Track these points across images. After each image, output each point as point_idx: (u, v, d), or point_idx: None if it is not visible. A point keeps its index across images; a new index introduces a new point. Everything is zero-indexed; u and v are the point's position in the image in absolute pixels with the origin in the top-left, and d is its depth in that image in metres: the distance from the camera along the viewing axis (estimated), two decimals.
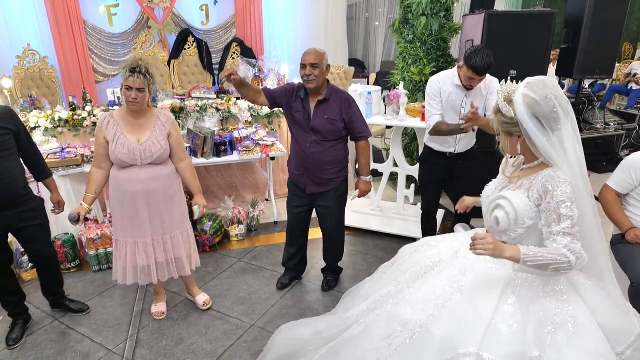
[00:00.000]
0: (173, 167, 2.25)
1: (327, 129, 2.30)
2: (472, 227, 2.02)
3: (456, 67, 2.49)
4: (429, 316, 1.39)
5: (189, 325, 2.39)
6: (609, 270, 1.48)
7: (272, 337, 2.02)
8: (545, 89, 1.30)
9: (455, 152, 2.61)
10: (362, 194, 2.50)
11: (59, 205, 2.34)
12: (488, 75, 2.51)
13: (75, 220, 2.11)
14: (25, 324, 2.37)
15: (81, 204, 2.16)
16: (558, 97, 1.30)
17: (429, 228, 2.94)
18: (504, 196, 1.40)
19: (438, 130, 2.51)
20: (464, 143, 2.60)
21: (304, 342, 1.84)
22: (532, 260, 1.26)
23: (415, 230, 3.22)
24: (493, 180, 1.58)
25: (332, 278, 2.72)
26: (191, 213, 2.36)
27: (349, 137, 2.43)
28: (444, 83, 2.50)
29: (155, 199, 2.18)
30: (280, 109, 2.52)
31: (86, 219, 2.22)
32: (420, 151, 3.06)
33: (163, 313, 2.47)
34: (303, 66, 2.24)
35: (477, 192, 2.66)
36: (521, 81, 1.37)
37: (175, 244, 2.29)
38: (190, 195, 2.58)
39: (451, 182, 2.76)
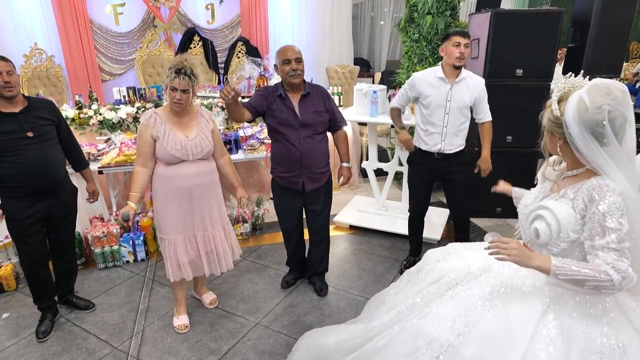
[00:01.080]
0: (214, 162, 2.30)
1: (317, 121, 2.33)
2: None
3: (439, 63, 2.54)
4: (458, 335, 1.28)
5: (193, 323, 2.40)
6: None
7: (296, 344, 2.03)
8: (604, 97, 1.14)
9: (442, 151, 2.55)
10: (347, 180, 2.56)
11: (94, 195, 2.48)
12: (473, 74, 2.53)
13: (127, 218, 2.09)
14: (54, 317, 2.42)
15: (128, 204, 2.13)
16: (614, 111, 1.14)
17: (416, 230, 2.89)
18: (546, 206, 1.26)
19: (391, 113, 2.74)
20: (449, 141, 2.54)
21: (326, 350, 1.82)
22: (564, 273, 1.14)
23: (427, 231, 3.19)
24: (532, 189, 1.44)
25: (320, 281, 2.68)
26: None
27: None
28: (427, 77, 2.51)
29: (204, 193, 2.22)
30: None
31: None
32: None
33: (187, 326, 2.35)
34: (287, 62, 2.22)
35: (465, 197, 2.67)
36: (589, 78, 1.23)
37: (219, 239, 2.32)
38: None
39: (443, 185, 2.74)
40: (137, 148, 2.17)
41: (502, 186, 1.72)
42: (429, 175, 2.69)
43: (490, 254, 1.23)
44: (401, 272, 2.79)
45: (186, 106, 2.11)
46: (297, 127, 2.30)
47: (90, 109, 3.69)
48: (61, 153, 2.24)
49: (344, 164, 2.53)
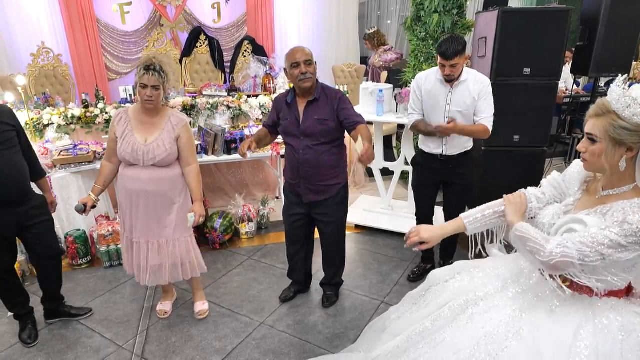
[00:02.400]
0: (179, 171, 2.19)
1: (318, 130, 2.15)
2: (508, 247, 1.53)
3: None
4: None
5: (198, 322, 2.40)
6: None
7: None
8: None
9: (445, 154, 2.47)
10: (365, 152, 1.94)
11: (52, 206, 2.33)
12: (478, 74, 2.41)
13: (82, 210, 2.14)
14: (35, 324, 2.34)
15: (89, 195, 2.20)
16: None
17: None
18: (581, 219, 1.15)
19: (416, 128, 2.51)
20: (452, 144, 2.45)
21: None
22: (522, 231, 1.15)
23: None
24: (549, 206, 1.32)
25: (333, 292, 2.54)
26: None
27: (343, 140, 2.28)
28: (427, 79, 2.44)
29: (153, 201, 2.15)
30: None
31: (94, 206, 2.23)
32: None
33: (166, 312, 2.46)
34: (296, 65, 2.09)
35: (466, 201, 2.54)
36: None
37: (171, 249, 2.23)
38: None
39: (444, 187, 2.62)
40: (107, 143, 2.24)
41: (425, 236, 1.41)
42: (433, 178, 2.60)
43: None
44: (410, 280, 2.75)
45: (158, 104, 2.07)
46: (298, 135, 2.19)
47: (96, 107, 3.70)
48: (24, 161, 2.10)
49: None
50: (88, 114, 3.63)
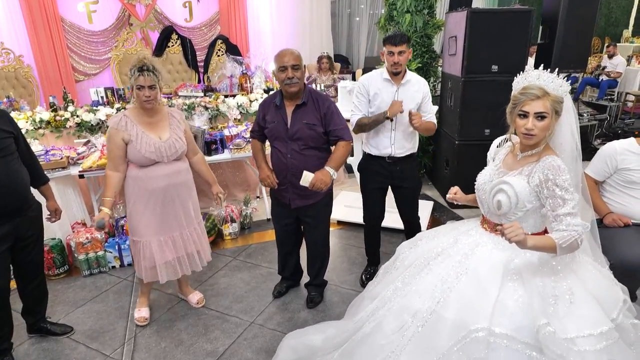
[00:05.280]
0: (187, 161, 2.31)
1: (307, 135, 2.16)
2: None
3: (384, 65, 2.43)
4: (438, 302, 1.45)
5: (187, 326, 2.39)
6: (596, 246, 1.66)
7: (280, 345, 2.03)
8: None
9: (393, 155, 2.45)
10: (316, 182, 2.10)
11: (56, 213, 2.26)
12: (416, 75, 2.47)
13: (103, 226, 2.07)
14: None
15: (101, 209, 2.13)
16: None
17: (373, 242, 2.76)
18: (507, 181, 1.48)
19: (361, 125, 2.43)
20: (399, 144, 2.44)
21: (314, 348, 1.85)
22: (565, 241, 1.36)
23: (390, 220, 3.21)
24: (485, 168, 1.67)
25: (317, 293, 2.55)
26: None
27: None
28: (373, 80, 2.42)
29: (179, 192, 2.23)
30: None
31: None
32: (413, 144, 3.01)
33: (146, 319, 2.41)
34: (283, 69, 2.08)
35: (415, 202, 2.63)
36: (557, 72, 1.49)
37: (194, 237, 2.33)
38: None
39: (393, 192, 2.62)
40: (108, 152, 2.16)
41: (460, 197, 1.79)
42: (382, 182, 2.55)
43: (504, 237, 1.34)
44: (362, 284, 2.72)
45: (157, 102, 2.12)
46: (286, 139, 2.19)
47: (66, 111, 3.57)
48: (24, 168, 2.01)
49: (327, 167, 2.16)
50: (58, 118, 3.50)
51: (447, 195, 1.80)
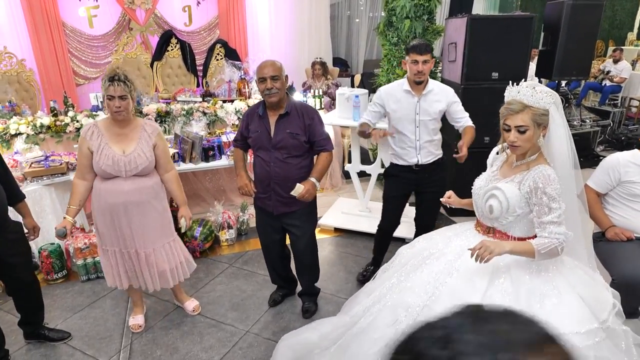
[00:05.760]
0: (158, 178, 2.22)
1: (291, 144, 2.18)
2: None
3: (405, 76, 2.45)
4: (430, 296, 1.54)
5: (183, 334, 2.39)
6: (589, 255, 1.75)
7: (276, 346, 2.04)
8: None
9: (420, 163, 2.49)
10: (305, 193, 2.16)
11: (34, 231, 2.21)
12: (440, 84, 2.48)
13: (64, 235, 2.06)
14: None
15: (65, 217, 2.11)
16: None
17: (382, 246, 2.81)
18: (499, 187, 1.56)
19: (360, 130, 2.53)
20: (425, 152, 2.49)
21: (310, 345, 1.89)
22: (545, 247, 1.44)
23: (404, 230, 3.26)
24: (483, 173, 1.75)
25: (311, 302, 2.55)
26: (177, 224, 2.33)
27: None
28: (394, 91, 2.45)
29: (138, 211, 2.14)
30: None
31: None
32: None
33: (140, 326, 2.42)
34: (262, 80, 2.11)
35: (436, 209, 2.67)
36: (516, 83, 1.57)
37: (159, 256, 2.25)
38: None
39: (416, 196, 2.67)
40: (77, 159, 2.16)
41: (455, 200, 1.88)
42: (406, 188, 2.62)
43: (477, 260, 1.41)
44: (359, 280, 2.79)
45: (128, 114, 2.06)
46: (269, 148, 2.21)
47: (66, 115, 3.59)
48: (0, 186, 1.97)
49: (312, 178, 2.21)
50: (58, 123, 3.52)
51: (442, 199, 1.88)
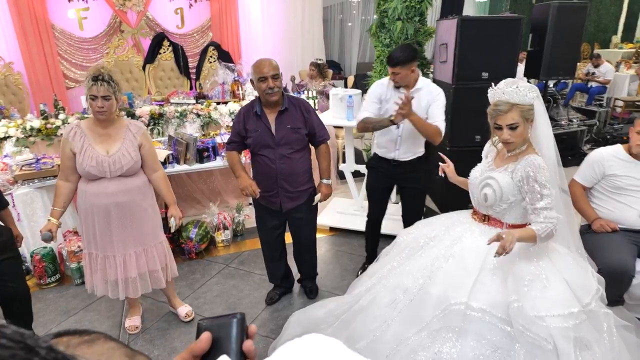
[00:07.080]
0: (145, 178, 2.18)
1: (294, 139, 2.21)
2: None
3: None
4: (427, 279, 1.65)
5: (180, 334, 2.38)
6: (576, 242, 1.87)
7: (287, 321, 2.16)
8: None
9: (397, 159, 2.52)
10: (325, 198, 2.38)
11: (18, 239, 2.16)
12: (432, 84, 2.49)
13: (50, 239, 2.02)
14: None
15: (49, 220, 2.07)
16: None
17: (372, 234, 2.86)
18: (492, 176, 1.68)
19: (366, 123, 2.42)
20: (405, 148, 2.50)
21: (317, 320, 2.00)
22: (544, 231, 1.54)
23: (398, 228, 3.30)
24: (478, 164, 1.85)
25: (312, 284, 2.70)
26: (167, 224, 2.30)
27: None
28: (385, 86, 2.48)
29: (125, 212, 2.11)
30: None
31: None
32: None
33: (137, 327, 2.41)
34: (263, 79, 2.10)
35: (418, 204, 2.74)
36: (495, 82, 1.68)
37: (149, 257, 2.23)
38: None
39: (399, 191, 2.74)
40: (60, 161, 2.12)
41: (452, 176, 2.00)
42: (386, 182, 2.67)
43: (498, 255, 1.49)
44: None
45: (111, 114, 2.02)
46: (273, 145, 2.21)
47: (57, 118, 3.56)
48: None
49: (324, 181, 2.36)
50: (49, 126, 3.48)
51: (441, 164, 2.00)
